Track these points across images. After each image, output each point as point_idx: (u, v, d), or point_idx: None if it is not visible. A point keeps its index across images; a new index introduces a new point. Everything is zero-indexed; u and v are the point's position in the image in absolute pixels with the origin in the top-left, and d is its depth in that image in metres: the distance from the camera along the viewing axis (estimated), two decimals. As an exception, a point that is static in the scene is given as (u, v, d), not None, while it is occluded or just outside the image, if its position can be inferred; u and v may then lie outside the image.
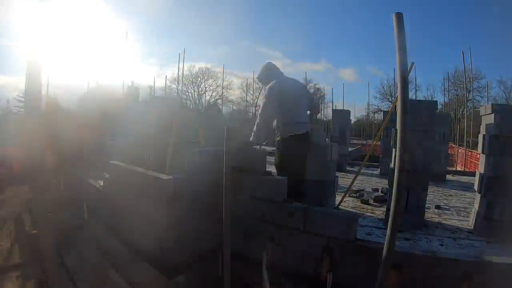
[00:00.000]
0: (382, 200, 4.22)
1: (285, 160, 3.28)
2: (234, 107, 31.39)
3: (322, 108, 30.53)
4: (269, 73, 3.45)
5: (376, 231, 3.05)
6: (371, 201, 4.23)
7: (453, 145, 13.04)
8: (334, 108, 17.58)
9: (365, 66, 50.17)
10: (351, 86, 54.57)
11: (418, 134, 3.09)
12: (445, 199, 4.61)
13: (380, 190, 4.74)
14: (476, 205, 3.13)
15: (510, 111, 2.92)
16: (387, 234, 1.52)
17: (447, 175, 6.63)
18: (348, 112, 8.49)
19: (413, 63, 4.18)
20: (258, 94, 31.18)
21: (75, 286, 3.09)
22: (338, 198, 3.91)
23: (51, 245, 3.76)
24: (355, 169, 7.09)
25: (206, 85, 35.73)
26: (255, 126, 3.30)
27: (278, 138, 3.37)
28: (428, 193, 3.31)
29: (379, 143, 6.56)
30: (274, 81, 3.29)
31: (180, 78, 21.98)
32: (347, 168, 7.49)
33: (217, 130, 2.94)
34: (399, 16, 1.43)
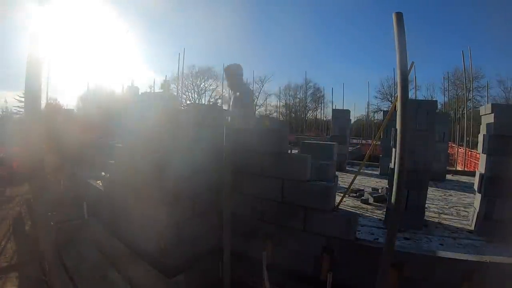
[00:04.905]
0: (382, 200, 4.22)
1: None
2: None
3: (322, 108, 30.63)
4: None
5: (376, 231, 3.05)
6: (371, 201, 4.22)
7: (453, 145, 13.06)
8: (334, 108, 17.55)
9: (366, 66, 50.10)
10: (351, 86, 54.60)
11: (418, 134, 3.08)
12: (445, 199, 4.60)
13: (380, 190, 4.74)
14: (476, 205, 3.12)
15: (510, 111, 2.92)
16: (387, 234, 1.52)
17: (447, 175, 6.62)
18: (348, 112, 8.48)
19: (413, 62, 4.17)
20: (258, 94, 31.27)
21: (75, 286, 3.08)
22: (338, 198, 3.90)
23: (51, 245, 3.76)
24: (355, 169, 7.08)
25: (206, 85, 35.67)
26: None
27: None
28: (428, 193, 3.31)
29: (379, 143, 6.55)
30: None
31: (180, 78, 21.99)
32: (347, 168, 7.50)
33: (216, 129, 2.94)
34: (399, 16, 1.43)
